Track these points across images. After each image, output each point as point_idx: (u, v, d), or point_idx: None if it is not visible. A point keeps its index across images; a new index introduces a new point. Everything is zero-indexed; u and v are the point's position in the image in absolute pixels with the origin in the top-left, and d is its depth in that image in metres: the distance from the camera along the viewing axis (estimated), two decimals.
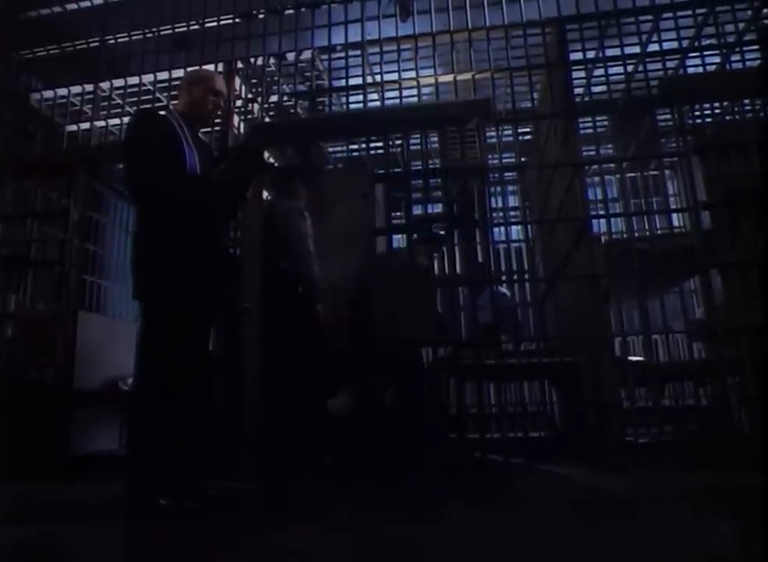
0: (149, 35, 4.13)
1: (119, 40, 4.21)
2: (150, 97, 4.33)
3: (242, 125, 3.92)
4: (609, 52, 3.77)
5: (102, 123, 4.19)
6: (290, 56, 3.99)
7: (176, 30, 4.12)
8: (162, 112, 2.54)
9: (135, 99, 4.13)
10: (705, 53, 3.80)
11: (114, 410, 4.28)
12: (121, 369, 4.05)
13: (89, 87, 4.20)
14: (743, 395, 3.08)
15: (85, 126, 4.21)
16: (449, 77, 3.71)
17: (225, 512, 2.23)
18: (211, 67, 3.71)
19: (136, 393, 2.42)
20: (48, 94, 4.27)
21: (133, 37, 4.16)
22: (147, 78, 4.10)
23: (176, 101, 2.73)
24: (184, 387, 2.26)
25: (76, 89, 4.23)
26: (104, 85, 4.21)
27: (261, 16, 4.02)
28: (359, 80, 3.84)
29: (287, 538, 1.83)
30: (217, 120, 3.58)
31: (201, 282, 2.31)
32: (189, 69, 2.82)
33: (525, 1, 3.75)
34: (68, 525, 2.08)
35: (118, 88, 4.22)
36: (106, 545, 1.90)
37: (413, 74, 3.73)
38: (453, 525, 2.01)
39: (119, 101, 4.26)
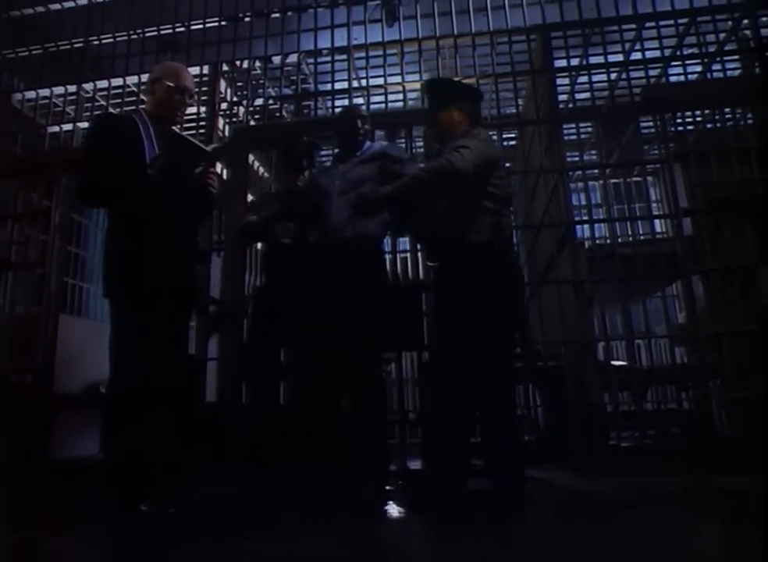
0: (134, 36, 4.11)
1: (104, 41, 4.18)
2: (134, 99, 4.29)
3: (227, 128, 3.91)
4: (593, 60, 3.82)
5: (85, 125, 4.15)
6: (276, 60, 3.99)
7: (162, 31, 4.10)
8: (130, 115, 2.49)
9: (119, 101, 4.10)
10: (687, 62, 3.87)
11: (95, 415, 4.22)
12: (102, 373, 3.95)
13: (72, 88, 4.16)
14: (724, 398, 3.12)
15: (68, 127, 4.17)
16: None
17: (210, 518, 2.19)
18: (196, 69, 3.69)
19: (108, 396, 2.38)
20: (30, 94, 4.23)
21: (118, 38, 4.13)
22: (132, 80, 4.07)
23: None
24: (159, 389, 2.23)
25: (59, 90, 4.19)
26: (88, 86, 4.17)
27: (247, 19, 4.02)
28: (345, 84, 3.85)
29: (276, 543, 1.81)
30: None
31: (166, 283, 2.28)
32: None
33: (510, 8, 3.79)
34: (46, 532, 2.04)
35: (101, 89, 4.18)
36: (84, 553, 1.87)
37: (398, 79, 3.74)
38: (440, 530, 2.00)
39: (103, 103, 4.22)
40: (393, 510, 2.26)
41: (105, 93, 4.17)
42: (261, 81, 4.15)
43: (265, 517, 2.19)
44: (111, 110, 4.14)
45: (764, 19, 3.82)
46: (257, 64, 4.05)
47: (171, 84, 2.42)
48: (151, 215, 2.25)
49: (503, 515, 2.06)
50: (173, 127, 2.61)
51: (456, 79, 3.29)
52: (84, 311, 5.23)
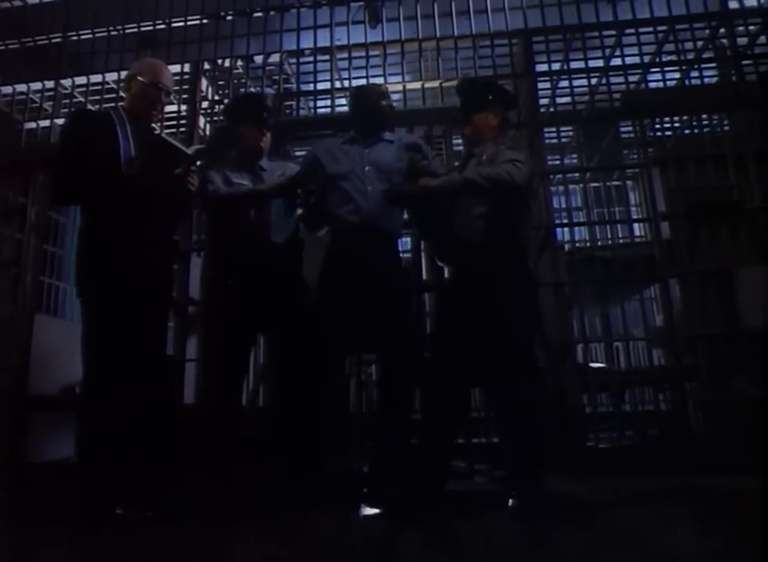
0: (114, 33, 4.05)
1: (83, 36, 4.12)
2: (114, 96, 4.23)
3: (208, 127, 3.88)
4: (574, 65, 3.85)
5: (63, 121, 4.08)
6: (258, 59, 3.97)
7: (142, 28, 4.05)
8: (107, 111, 2.47)
9: (98, 97, 4.04)
10: (666, 69, 3.93)
11: (71, 417, 4.15)
12: (79, 374, 3.93)
13: (50, 84, 4.09)
14: (700, 400, 3.17)
15: (45, 123, 4.11)
16: (417, 85, 3.73)
17: (187, 521, 2.16)
18: (177, 67, 3.65)
19: (81, 397, 2.34)
20: (7, 89, 4.15)
21: (97, 34, 4.08)
22: (111, 76, 4.01)
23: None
24: (135, 390, 2.20)
25: (37, 85, 4.12)
26: (66, 82, 4.11)
27: (229, 17, 3.99)
28: (327, 85, 3.84)
29: (257, 545, 1.80)
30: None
31: (142, 282, 2.25)
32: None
33: (493, 12, 3.80)
34: (19, 538, 2.00)
35: (80, 86, 4.12)
36: (59, 559, 1.84)
37: (381, 80, 3.74)
38: (416, 531, 2.00)
39: (81, 99, 4.16)
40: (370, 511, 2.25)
41: (84, 89, 4.11)
42: (243, 80, 4.13)
43: (246, 520, 2.17)
44: (89, 107, 4.08)
45: (740, 28, 3.88)
46: (239, 63, 4.02)
47: (148, 81, 2.39)
48: (125, 214, 2.22)
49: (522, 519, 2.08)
50: (152, 126, 2.59)
51: (495, 80, 3.24)
52: (61, 311, 5.14)
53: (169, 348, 3.08)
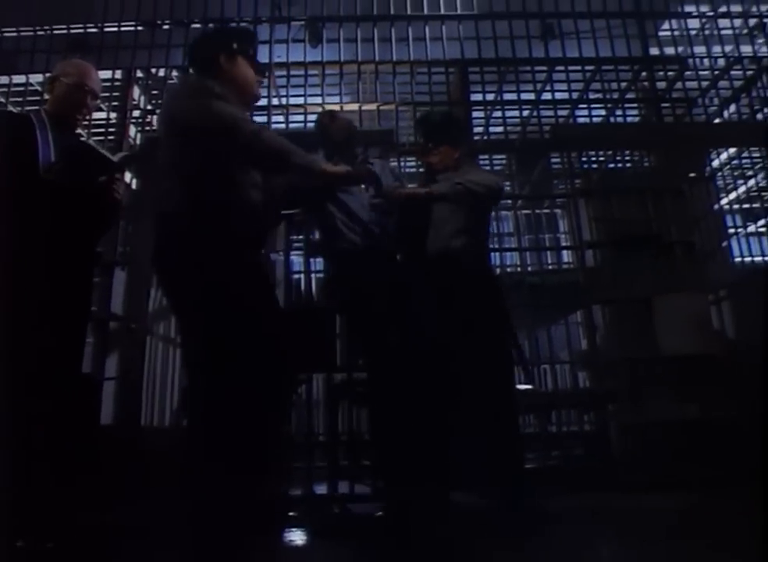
0: (41, 32, 3.87)
1: (6, 34, 3.91)
2: (38, 98, 4.02)
3: (139, 136, 3.75)
4: (507, 96, 4.00)
5: None
6: None
7: (72, 30, 3.89)
8: (27, 114, 2.33)
9: (20, 99, 3.83)
10: (592, 105, 4.14)
11: None
12: None
13: None
14: (620, 421, 3.28)
15: None
16: (355, 106, 3.76)
17: (96, 552, 2.00)
18: (107, 73, 3.52)
19: None
20: None
21: (23, 33, 3.88)
22: (36, 78, 3.81)
23: None
24: (42, 411, 2.04)
25: None
26: None
27: (165, 26, 3.89)
28: (264, 101, 3.79)
29: None
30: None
31: (55, 296, 2.11)
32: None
33: (431, 40, 3.90)
34: None
35: (1, 86, 3.89)
36: None
37: (319, 100, 3.74)
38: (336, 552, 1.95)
39: (2, 100, 3.93)
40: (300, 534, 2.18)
41: (5, 90, 3.89)
42: None
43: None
44: (11, 108, 3.86)
45: (660, 73, 4.15)
46: (174, 73, 3.92)
47: (72, 82, 2.28)
48: (41, 222, 2.09)
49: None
50: (77, 131, 2.47)
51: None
52: None
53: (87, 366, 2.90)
